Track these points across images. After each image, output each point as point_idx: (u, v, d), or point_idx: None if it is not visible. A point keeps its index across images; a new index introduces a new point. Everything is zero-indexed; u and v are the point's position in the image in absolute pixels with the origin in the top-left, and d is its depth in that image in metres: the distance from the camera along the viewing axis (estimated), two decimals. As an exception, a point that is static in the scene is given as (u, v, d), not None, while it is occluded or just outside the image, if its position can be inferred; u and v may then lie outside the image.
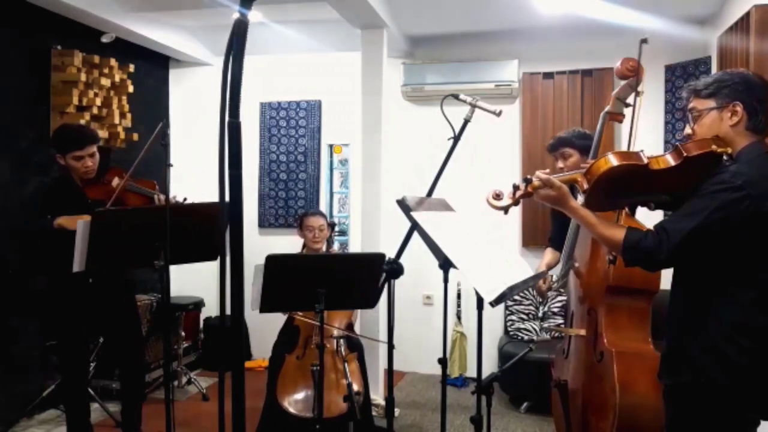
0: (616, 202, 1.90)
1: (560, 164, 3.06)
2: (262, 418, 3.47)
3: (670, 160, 1.72)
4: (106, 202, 3.03)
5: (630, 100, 2.71)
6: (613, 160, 1.73)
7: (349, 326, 3.70)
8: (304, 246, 3.84)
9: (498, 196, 1.98)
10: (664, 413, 1.88)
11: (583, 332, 2.61)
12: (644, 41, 2.49)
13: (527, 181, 1.90)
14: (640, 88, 2.64)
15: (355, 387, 3.09)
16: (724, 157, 1.71)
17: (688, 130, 1.85)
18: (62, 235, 2.88)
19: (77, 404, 3.24)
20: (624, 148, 2.66)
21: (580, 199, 1.93)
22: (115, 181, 3.10)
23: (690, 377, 1.74)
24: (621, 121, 2.78)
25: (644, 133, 4.86)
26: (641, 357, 2.40)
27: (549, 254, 3.18)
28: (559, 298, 4.63)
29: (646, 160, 1.72)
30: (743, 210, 1.62)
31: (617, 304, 2.48)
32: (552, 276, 2.99)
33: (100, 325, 3.35)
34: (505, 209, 1.98)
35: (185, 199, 3.13)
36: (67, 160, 3.07)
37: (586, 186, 1.77)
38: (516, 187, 1.92)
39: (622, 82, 2.69)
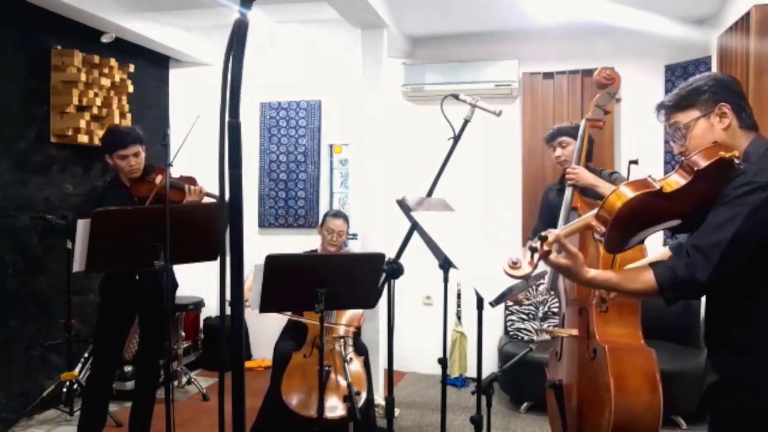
0: (635, 239, 1.69)
1: (558, 152, 3.12)
2: (260, 413, 3.46)
3: (681, 179, 1.56)
4: (148, 198, 3.11)
5: (609, 107, 2.79)
6: (628, 193, 1.55)
7: (356, 332, 3.68)
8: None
9: (515, 264, 1.67)
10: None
11: (575, 332, 2.62)
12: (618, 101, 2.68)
13: (543, 239, 1.64)
14: (618, 95, 2.73)
15: (356, 387, 3.09)
16: (735, 161, 1.56)
17: (678, 149, 1.71)
18: None
19: (99, 399, 3.25)
20: (621, 151, 2.71)
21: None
22: (159, 179, 3.17)
23: (747, 403, 1.55)
24: (601, 128, 2.85)
25: (644, 135, 4.88)
26: (633, 351, 2.44)
27: None
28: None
29: (658, 185, 1.55)
30: None
31: (608, 301, 2.51)
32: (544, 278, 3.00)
33: (141, 322, 3.38)
34: (526, 277, 1.70)
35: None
36: (114, 159, 3.17)
37: (603, 229, 1.58)
38: (533, 250, 1.65)
39: (602, 90, 2.77)
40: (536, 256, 1.64)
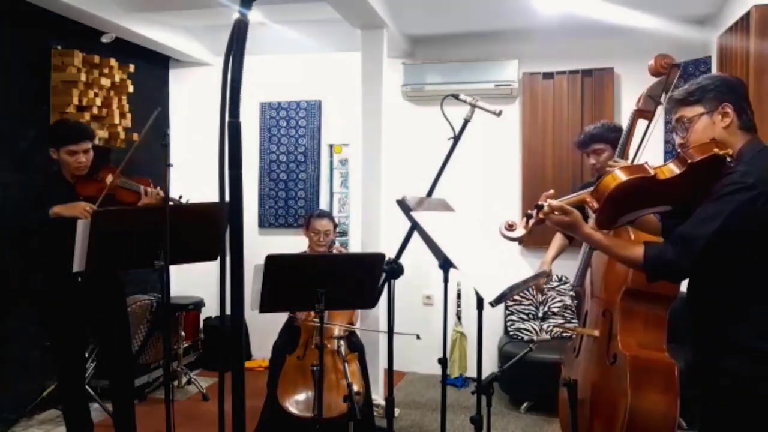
0: (626, 218, 1.88)
1: (593, 161, 3.00)
2: (261, 417, 3.47)
3: (675, 169, 1.71)
4: (97, 198, 3.00)
5: (661, 98, 2.68)
6: (621, 176, 1.72)
7: (350, 330, 3.69)
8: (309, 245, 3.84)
9: (511, 227, 1.92)
10: (699, 420, 1.86)
11: (596, 333, 2.59)
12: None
13: (538, 208, 1.86)
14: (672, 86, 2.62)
15: (356, 387, 3.09)
16: (728, 159, 1.70)
17: (679, 140, 1.84)
18: (60, 230, 2.85)
19: (75, 405, 3.22)
20: (634, 148, 2.68)
21: (590, 221, 1.92)
22: (109, 178, 3.07)
23: (727, 382, 1.71)
24: (651, 120, 2.74)
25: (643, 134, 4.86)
26: (655, 363, 2.38)
27: (558, 239, 3.13)
28: (559, 297, 4.63)
29: (652, 172, 1.71)
30: (759, 208, 1.63)
31: (634, 307, 2.45)
32: (555, 275, 2.98)
33: (92, 325, 3.33)
34: (520, 240, 1.93)
35: (180, 197, 3.13)
36: (60, 154, 3.04)
37: (596, 205, 1.76)
38: (528, 216, 1.88)
39: (656, 79, 2.66)
40: (531, 221, 1.85)
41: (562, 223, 1.84)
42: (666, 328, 2.48)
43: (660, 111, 2.64)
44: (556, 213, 1.84)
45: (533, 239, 4.80)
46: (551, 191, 1.92)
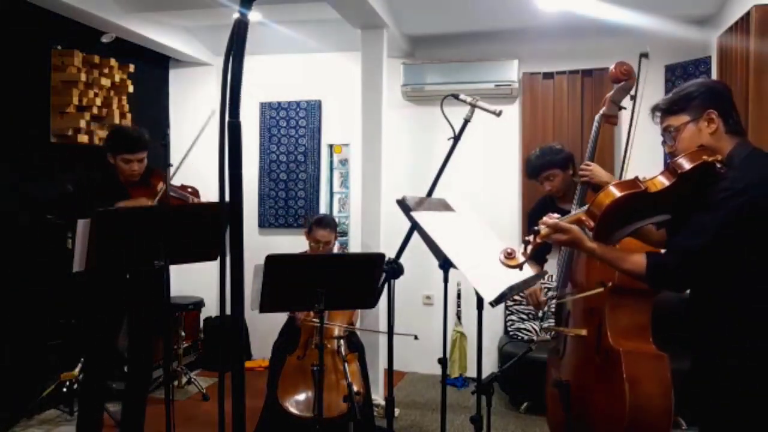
0: (623, 232, 1.90)
1: (548, 187, 3.07)
2: (261, 417, 3.47)
3: (665, 181, 1.73)
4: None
5: (624, 103, 2.74)
6: (615, 192, 1.74)
7: (351, 330, 3.69)
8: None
9: (510, 255, 1.85)
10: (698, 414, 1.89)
11: (584, 332, 2.60)
12: (644, 56, 2.53)
13: (535, 233, 1.86)
14: (632, 92, 2.67)
15: (356, 387, 3.09)
16: (717, 165, 1.71)
17: (668, 149, 1.86)
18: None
19: (94, 401, 3.23)
20: (622, 150, 2.70)
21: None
22: (161, 186, 3.13)
23: (727, 382, 1.72)
24: (615, 124, 2.80)
25: (644, 134, 4.85)
26: (646, 356, 2.41)
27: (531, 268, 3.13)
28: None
29: (643, 186, 1.74)
30: (752, 212, 1.64)
31: (621, 303, 2.48)
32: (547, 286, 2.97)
33: (129, 320, 3.35)
34: (520, 266, 1.87)
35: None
36: (116, 160, 3.13)
37: (592, 224, 1.78)
38: (527, 243, 1.85)
39: (617, 85, 2.70)
40: (530, 247, 1.84)
41: (564, 242, 1.87)
42: (650, 320, 2.52)
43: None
44: (555, 233, 1.85)
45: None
46: (555, 215, 1.92)
